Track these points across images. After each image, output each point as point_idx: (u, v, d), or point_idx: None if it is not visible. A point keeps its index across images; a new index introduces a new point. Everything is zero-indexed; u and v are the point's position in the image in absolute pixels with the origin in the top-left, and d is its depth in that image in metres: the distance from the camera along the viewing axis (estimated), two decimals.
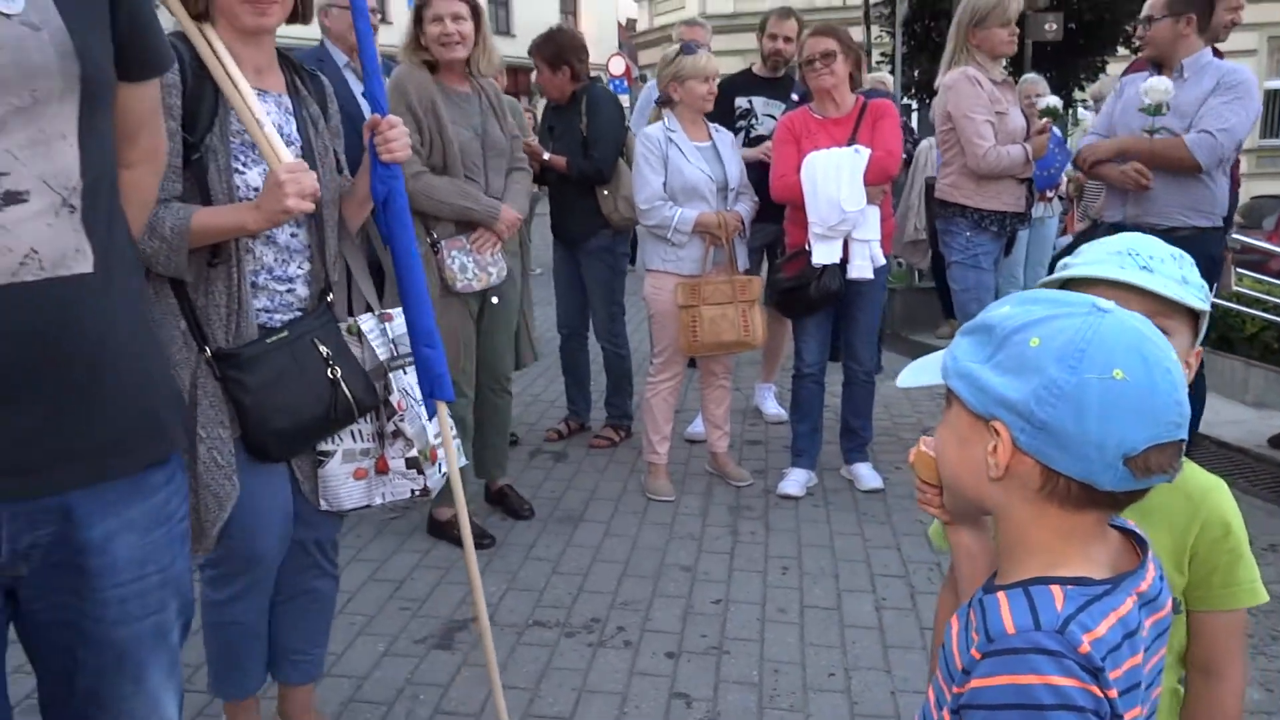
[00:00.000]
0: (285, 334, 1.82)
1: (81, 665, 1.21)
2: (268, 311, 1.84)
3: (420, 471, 1.99)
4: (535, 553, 3.31)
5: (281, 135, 1.81)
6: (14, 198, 1.04)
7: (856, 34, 6.30)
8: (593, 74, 4.31)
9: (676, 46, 3.73)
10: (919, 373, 0.99)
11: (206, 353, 1.77)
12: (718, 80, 3.66)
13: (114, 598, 1.20)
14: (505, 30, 29.05)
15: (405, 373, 1.99)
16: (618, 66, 19.74)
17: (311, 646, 2.17)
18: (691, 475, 4.04)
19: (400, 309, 1.98)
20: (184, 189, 1.73)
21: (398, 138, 1.87)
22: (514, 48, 26.78)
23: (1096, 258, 1.13)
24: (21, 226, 1.05)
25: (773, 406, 4.86)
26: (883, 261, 3.67)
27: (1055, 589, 0.83)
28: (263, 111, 1.77)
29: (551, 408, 4.99)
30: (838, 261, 3.55)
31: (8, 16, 1.03)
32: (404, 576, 3.11)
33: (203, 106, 1.75)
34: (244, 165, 1.80)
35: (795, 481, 3.81)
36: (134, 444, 1.20)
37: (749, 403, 5.02)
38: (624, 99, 18.97)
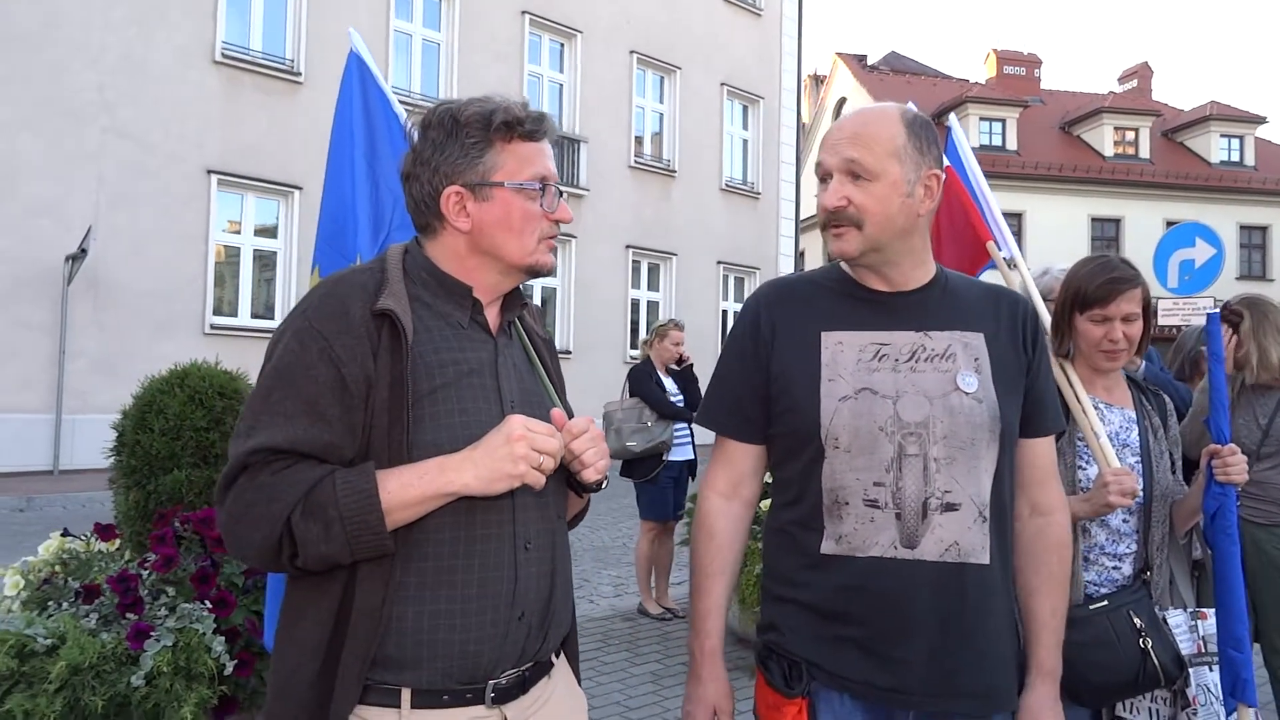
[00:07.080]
0: (1105, 604, 2.14)
1: None
2: (1095, 584, 2.20)
3: None
4: None
5: (1120, 440, 2.23)
6: (951, 507, 1.55)
7: None
8: None
9: None
10: None
11: None
12: None
13: None
14: None
15: (1210, 670, 2.14)
16: None
17: None
18: None
19: (1214, 609, 2.17)
20: None
21: (1236, 464, 2.14)
22: None
23: None
24: (951, 526, 1.54)
25: None
26: None
27: None
28: (1100, 425, 2.22)
29: None
30: None
31: (966, 394, 1.57)
32: None
33: None
34: (1085, 464, 2.25)
35: None
36: (993, 696, 1.58)
37: None
38: None
